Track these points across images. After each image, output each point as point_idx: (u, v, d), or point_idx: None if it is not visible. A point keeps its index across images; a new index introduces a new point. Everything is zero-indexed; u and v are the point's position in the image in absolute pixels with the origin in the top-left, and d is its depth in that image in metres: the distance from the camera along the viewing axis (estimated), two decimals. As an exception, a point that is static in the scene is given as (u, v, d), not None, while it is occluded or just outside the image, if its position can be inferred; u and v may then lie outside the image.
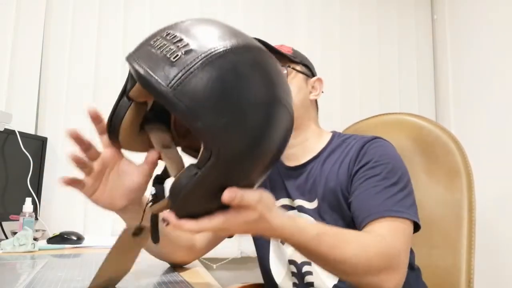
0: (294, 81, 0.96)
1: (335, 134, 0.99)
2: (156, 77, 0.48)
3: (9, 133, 1.39)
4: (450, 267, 0.97)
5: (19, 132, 1.41)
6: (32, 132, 1.58)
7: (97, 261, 0.96)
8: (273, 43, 1.06)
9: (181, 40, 0.50)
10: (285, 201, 0.95)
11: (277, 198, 0.95)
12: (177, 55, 0.49)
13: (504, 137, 1.76)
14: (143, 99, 0.60)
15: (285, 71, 0.94)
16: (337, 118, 1.96)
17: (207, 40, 0.50)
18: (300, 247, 0.66)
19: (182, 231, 0.53)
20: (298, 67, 0.98)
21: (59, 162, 1.61)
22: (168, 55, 0.49)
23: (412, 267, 0.95)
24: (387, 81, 2.13)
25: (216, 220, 0.53)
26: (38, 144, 1.54)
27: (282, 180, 0.97)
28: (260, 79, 0.51)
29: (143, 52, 0.52)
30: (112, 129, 0.61)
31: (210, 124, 0.47)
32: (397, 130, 1.11)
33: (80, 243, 1.26)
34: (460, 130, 2.00)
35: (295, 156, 0.96)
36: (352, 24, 2.11)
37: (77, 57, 1.69)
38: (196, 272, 0.87)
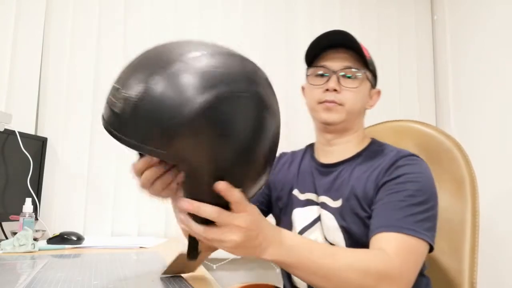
0: (363, 88, 0.95)
1: (373, 141, 0.99)
2: (106, 121, 0.55)
3: (9, 133, 1.38)
4: (454, 271, 0.98)
5: (19, 132, 1.41)
6: (32, 132, 1.58)
7: (97, 262, 0.96)
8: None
9: (118, 89, 0.54)
10: (310, 195, 0.96)
11: (304, 192, 0.97)
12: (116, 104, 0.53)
13: (505, 138, 1.76)
14: None
15: (360, 74, 0.93)
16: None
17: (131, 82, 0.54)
18: (290, 256, 0.65)
19: (180, 208, 0.56)
20: (370, 76, 0.97)
21: (59, 162, 1.61)
22: (111, 107, 0.54)
23: (423, 275, 0.95)
24: (387, 81, 2.13)
25: (210, 209, 0.55)
26: (38, 144, 1.54)
27: (312, 175, 0.98)
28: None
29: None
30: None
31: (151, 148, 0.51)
32: (401, 137, 1.12)
33: (80, 243, 1.26)
34: (460, 132, 2.00)
35: (332, 154, 0.98)
36: (352, 24, 2.10)
37: (77, 57, 1.69)
38: (196, 272, 0.87)
